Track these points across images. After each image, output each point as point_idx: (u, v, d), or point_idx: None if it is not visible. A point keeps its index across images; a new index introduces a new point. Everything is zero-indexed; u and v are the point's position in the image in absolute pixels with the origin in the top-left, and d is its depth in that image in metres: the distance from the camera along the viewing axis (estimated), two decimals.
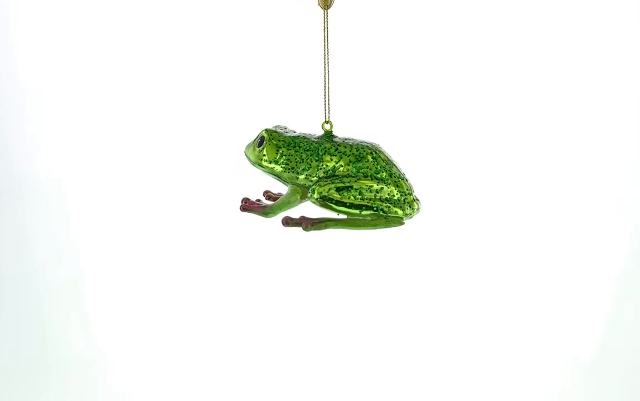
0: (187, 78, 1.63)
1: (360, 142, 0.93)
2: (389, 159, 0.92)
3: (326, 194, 0.90)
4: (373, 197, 0.90)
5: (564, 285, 1.66)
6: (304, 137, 0.95)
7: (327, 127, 0.96)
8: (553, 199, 1.65)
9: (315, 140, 0.94)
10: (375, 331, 1.63)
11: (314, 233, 0.91)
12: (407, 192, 0.91)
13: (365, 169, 0.90)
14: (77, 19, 1.66)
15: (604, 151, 1.65)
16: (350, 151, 0.91)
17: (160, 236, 1.71)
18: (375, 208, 0.89)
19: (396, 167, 0.92)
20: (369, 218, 0.90)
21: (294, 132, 0.97)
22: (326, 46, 0.94)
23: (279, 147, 0.94)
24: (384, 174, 0.90)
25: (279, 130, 0.96)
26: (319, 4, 0.94)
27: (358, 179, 0.90)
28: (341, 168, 0.91)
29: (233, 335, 1.67)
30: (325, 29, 0.94)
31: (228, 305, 1.68)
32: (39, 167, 1.74)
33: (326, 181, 0.91)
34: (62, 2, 1.66)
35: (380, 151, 0.92)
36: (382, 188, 0.90)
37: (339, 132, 0.98)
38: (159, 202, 1.69)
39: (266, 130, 0.96)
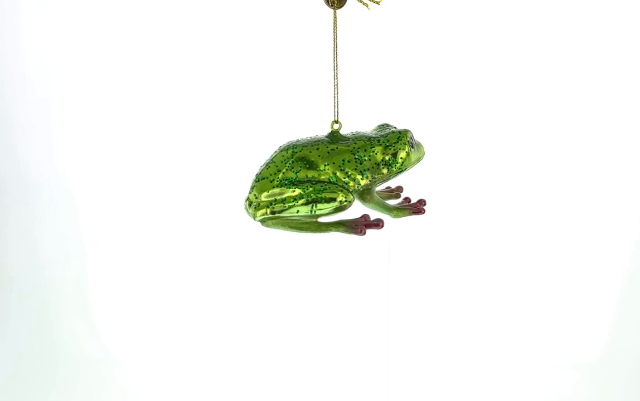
0: (195, 77, 1.64)
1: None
2: (277, 160, 0.92)
3: None
4: None
5: (569, 285, 1.66)
6: None
7: (336, 126, 0.96)
8: (559, 200, 1.65)
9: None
10: (378, 331, 1.63)
11: (309, 236, 0.94)
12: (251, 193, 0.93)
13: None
14: (85, 19, 1.67)
15: (610, 153, 1.65)
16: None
17: (167, 236, 1.71)
18: None
19: (276, 172, 0.91)
20: None
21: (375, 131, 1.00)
22: (335, 46, 0.94)
23: None
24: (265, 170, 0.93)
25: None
26: (327, 4, 0.94)
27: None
28: None
29: (237, 335, 1.67)
30: (335, 29, 0.94)
31: (232, 306, 1.68)
32: (45, 166, 1.74)
33: None
34: (69, 2, 1.66)
35: (290, 150, 0.92)
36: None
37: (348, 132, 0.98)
38: (166, 203, 1.70)
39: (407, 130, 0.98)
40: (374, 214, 0.93)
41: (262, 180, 0.92)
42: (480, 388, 1.57)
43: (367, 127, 1.00)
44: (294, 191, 0.90)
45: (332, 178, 0.91)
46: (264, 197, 0.91)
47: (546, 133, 1.63)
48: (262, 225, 0.92)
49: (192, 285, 1.70)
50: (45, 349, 1.69)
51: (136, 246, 1.72)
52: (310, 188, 0.89)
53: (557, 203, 1.65)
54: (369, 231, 0.92)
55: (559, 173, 1.64)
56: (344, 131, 0.97)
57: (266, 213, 0.90)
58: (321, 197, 0.89)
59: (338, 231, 0.92)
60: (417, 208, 0.98)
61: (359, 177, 0.92)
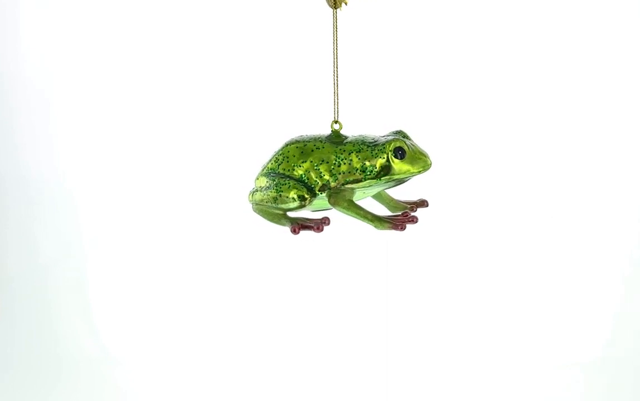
0: (196, 78, 1.64)
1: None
2: (274, 155, 0.95)
3: None
4: None
5: (569, 285, 1.66)
6: None
7: (336, 126, 0.96)
8: (559, 200, 1.65)
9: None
10: (377, 331, 1.63)
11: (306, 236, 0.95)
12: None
13: None
14: (85, 19, 1.67)
15: (611, 152, 1.64)
16: None
17: (166, 236, 1.71)
18: None
19: (267, 162, 0.95)
20: None
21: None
22: (335, 46, 0.94)
23: None
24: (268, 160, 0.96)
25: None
26: (328, 4, 0.94)
27: None
28: None
29: (237, 335, 1.67)
30: (335, 29, 0.94)
31: (231, 306, 1.68)
32: (45, 166, 1.74)
33: None
34: (70, 4, 1.66)
35: (289, 145, 0.94)
36: None
37: (349, 131, 0.98)
38: (165, 203, 1.69)
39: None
40: (348, 219, 0.91)
41: (261, 169, 0.96)
42: (480, 388, 1.57)
43: (382, 131, 0.97)
44: (267, 182, 0.93)
45: (304, 175, 0.91)
46: (255, 184, 0.95)
47: (546, 134, 1.63)
48: (253, 210, 0.96)
49: (192, 285, 1.70)
50: (45, 349, 1.69)
51: (136, 246, 1.72)
52: (276, 182, 0.92)
53: (557, 202, 1.65)
54: (326, 233, 0.91)
55: (558, 172, 1.64)
56: (353, 133, 0.96)
57: (252, 199, 0.95)
58: (280, 192, 0.91)
59: (287, 226, 0.94)
60: (399, 222, 0.91)
61: (329, 178, 0.90)
